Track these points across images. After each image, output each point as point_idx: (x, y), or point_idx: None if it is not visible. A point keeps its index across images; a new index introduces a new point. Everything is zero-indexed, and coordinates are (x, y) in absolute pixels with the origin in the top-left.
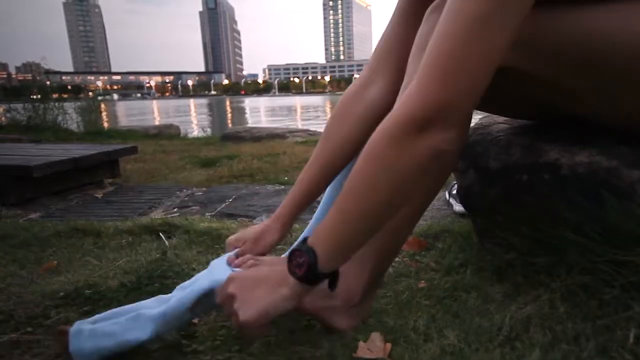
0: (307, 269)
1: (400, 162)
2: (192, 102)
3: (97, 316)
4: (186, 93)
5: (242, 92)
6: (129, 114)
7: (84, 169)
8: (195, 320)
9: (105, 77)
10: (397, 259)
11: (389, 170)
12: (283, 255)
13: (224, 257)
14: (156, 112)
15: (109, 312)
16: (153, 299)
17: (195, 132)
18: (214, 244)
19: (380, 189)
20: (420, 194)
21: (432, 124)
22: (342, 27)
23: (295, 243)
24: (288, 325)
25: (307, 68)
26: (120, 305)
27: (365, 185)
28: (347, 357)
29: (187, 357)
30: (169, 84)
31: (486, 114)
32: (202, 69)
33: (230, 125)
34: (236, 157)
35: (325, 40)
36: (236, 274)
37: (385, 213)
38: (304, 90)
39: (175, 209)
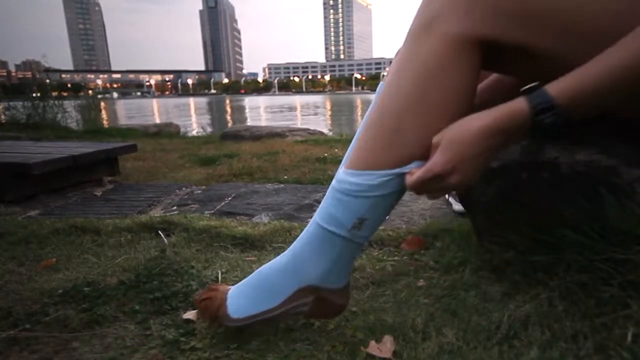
0: (555, 119)
1: None
2: (192, 100)
3: None
4: (186, 92)
5: (242, 91)
6: (129, 111)
7: (83, 166)
8: (194, 318)
9: (105, 76)
10: (396, 258)
11: None
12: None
13: None
14: (156, 111)
15: None
16: None
17: (195, 130)
18: (212, 242)
19: None
20: None
21: None
22: (343, 26)
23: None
24: (287, 323)
25: (307, 67)
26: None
27: None
28: (346, 355)
29: (186, 354)
30: (169, 83)
31: None
32: (202, 68)
33: (230, 123)
34: (236, 155)
35: (326, 40)
36: (441, 137)
37: None
38: (304, 89)
39: (175, 207)
